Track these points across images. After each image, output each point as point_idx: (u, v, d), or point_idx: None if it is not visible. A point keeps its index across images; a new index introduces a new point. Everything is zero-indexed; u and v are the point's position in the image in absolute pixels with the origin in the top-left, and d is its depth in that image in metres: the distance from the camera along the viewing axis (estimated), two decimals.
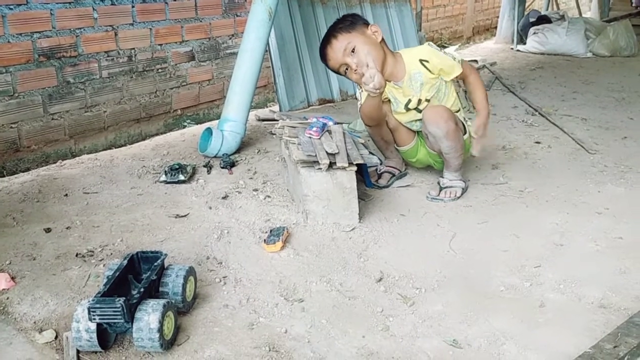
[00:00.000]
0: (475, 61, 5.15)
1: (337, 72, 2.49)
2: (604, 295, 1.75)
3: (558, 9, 7.74)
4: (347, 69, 2.41)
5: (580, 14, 7.82)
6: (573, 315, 1.66)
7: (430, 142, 2.41)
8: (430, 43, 2.50)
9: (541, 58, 5.78)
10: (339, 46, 2.37)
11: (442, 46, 5.72)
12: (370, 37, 2.39)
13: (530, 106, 3.86)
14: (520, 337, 1.56)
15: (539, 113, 3.71)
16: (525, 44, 6.22)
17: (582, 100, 4.10)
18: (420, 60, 2.39)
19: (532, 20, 6.41)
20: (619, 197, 2.45)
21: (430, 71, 2.38)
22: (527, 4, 6.97)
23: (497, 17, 6.89)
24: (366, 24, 2.44)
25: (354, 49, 2.35)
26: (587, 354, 1.46)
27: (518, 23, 6.43)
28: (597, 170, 2.74)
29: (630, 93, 4.30)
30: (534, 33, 6.11)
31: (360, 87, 2.45)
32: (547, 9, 7.64)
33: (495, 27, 6.92)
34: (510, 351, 1.51)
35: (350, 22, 2.41)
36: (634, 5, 9.26)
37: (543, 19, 6.38)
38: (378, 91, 2.25)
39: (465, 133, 2.44)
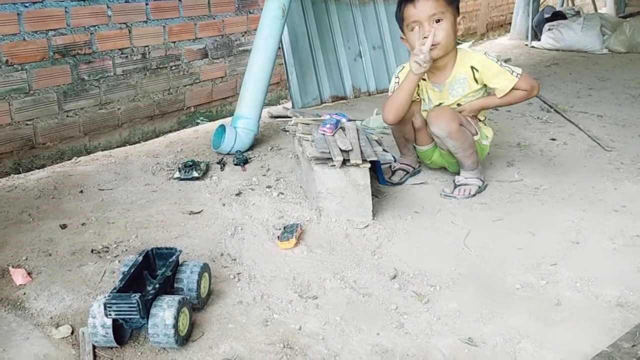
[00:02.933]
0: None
1: (401, 18, 2.32)
2: (622, 293, 1.73)
3: (573, 4, 7.67)
4: (418, 27, 2.27)
5: (595, 9, 7.74)
6: (590, 314, 1.64)
7: (438, 142, 2.40)
8: (488, 52, 2.40)
9: (556, 54, 5.73)
10: (432, 7, 2.22)
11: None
12: (455, 25, 2.30)
13: (545, 103, 3.82)
14: (536, 336, 1.55)
15: (554, 110, 3.67)
16: (539, 40, 6.16)
17: (598, 97, 4.05)
18: (472, 67, 2.33)
19: (546, 16, 6.35)
20: (636, 194, 2.41)
21: (476, 80, 2.34)
22: (541, 0, 6.91)
23: (511, 13, 6.83)
24: (458, 8, 2.33)
25: (439, 20, 2.24)
26: (605, 352, 1.44)
27: (532, 19, 6.37)
28: (613, 167, 2.71)
29: None
30: (549, 29, 6.05)
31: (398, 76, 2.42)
32: (562, 5, 7.56)
33: (510, 23, 6.86)
34: (527, 350, 1.50)
35: None
36: None
37: (558, 15, 6.32)
38: (424, 65, 2.20)
39: (477, 134, 2.41)
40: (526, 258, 1.93)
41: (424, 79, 2.41)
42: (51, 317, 1.61)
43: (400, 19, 2.34)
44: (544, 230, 2.12)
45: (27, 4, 2.56)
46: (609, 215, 2.23)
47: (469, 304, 1.69)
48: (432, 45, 2.23)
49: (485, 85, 2.37)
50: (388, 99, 2.40)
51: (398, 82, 2.38)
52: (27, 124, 2.65)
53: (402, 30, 2.36)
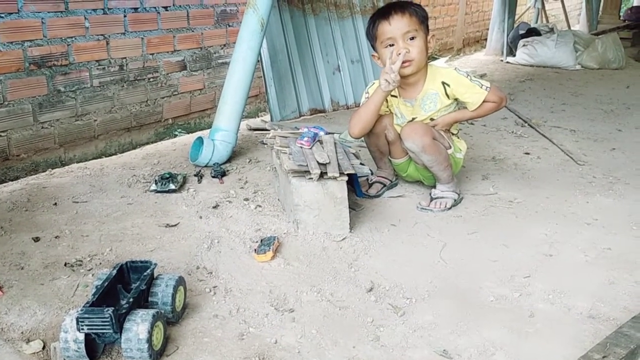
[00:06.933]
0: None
1: (374, 35, 2.35)
2: (593, 305, 1.76)
3: (547, 21, 7.84)
4: (392, 44, 2.30)
5: (569, 26, 7.92)
6: (562, 326, 1.67)
7: (412, 157, 2.42)
8: (458, 68, 2.45)
9: (530, 70, 5.84)
10: (406, 24, 2.27)
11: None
12: (426, 42, 2.34)
13: (519, 117, 3.89)
14: (510, 348, 1.56)
15: (529, 124, 3.74)
16: (514, 56, 6.28)
17: (571, 112, 4.14)
18: (442, 83, 2.37)
19: (521, 32, 6.49)
20: (608, 208, 2.47)
21: (447, 96, 2.37)
22: (516, 17, 7.05)
23: (487, 29, 6.96)
24: (428, 27, 2.38)
25: (413, 38, 2.29)
26: None
27: (508, 35, 6.50)
28: (585, 181, 2.76)
29: (618, 105, 4.35)
30: (524, 45, 6.18)
31: (367, 89, 2.45)
32: (536, 22, 7.73)
33: (485, 39, 6.99)
34: None
35: (425, 17, 2.34)
36: (622, 18, 9.39)
37: (532, 32, 6.46)
38: (393, 84, 2.24)
39: (450, 148, 2.45)
40: (500, 270, 1.96)
41: (395, 96, 2.44)
42: (22, 332, 1.58)
43: (373, 36, 2.36)
44: (518, 243, 2.15)
45: (2, 15, 2.54)
46: (581, 228, 2.27)
47: (444, 316, 1.70)
48: (407, 62, 2.27)
49: (456, 100, 2.41)
50: (355, 113, 2.44)
51: (368, 98, 2.41)
52: (0, 136, 2.61)
53: (374, 48, 2.40)
